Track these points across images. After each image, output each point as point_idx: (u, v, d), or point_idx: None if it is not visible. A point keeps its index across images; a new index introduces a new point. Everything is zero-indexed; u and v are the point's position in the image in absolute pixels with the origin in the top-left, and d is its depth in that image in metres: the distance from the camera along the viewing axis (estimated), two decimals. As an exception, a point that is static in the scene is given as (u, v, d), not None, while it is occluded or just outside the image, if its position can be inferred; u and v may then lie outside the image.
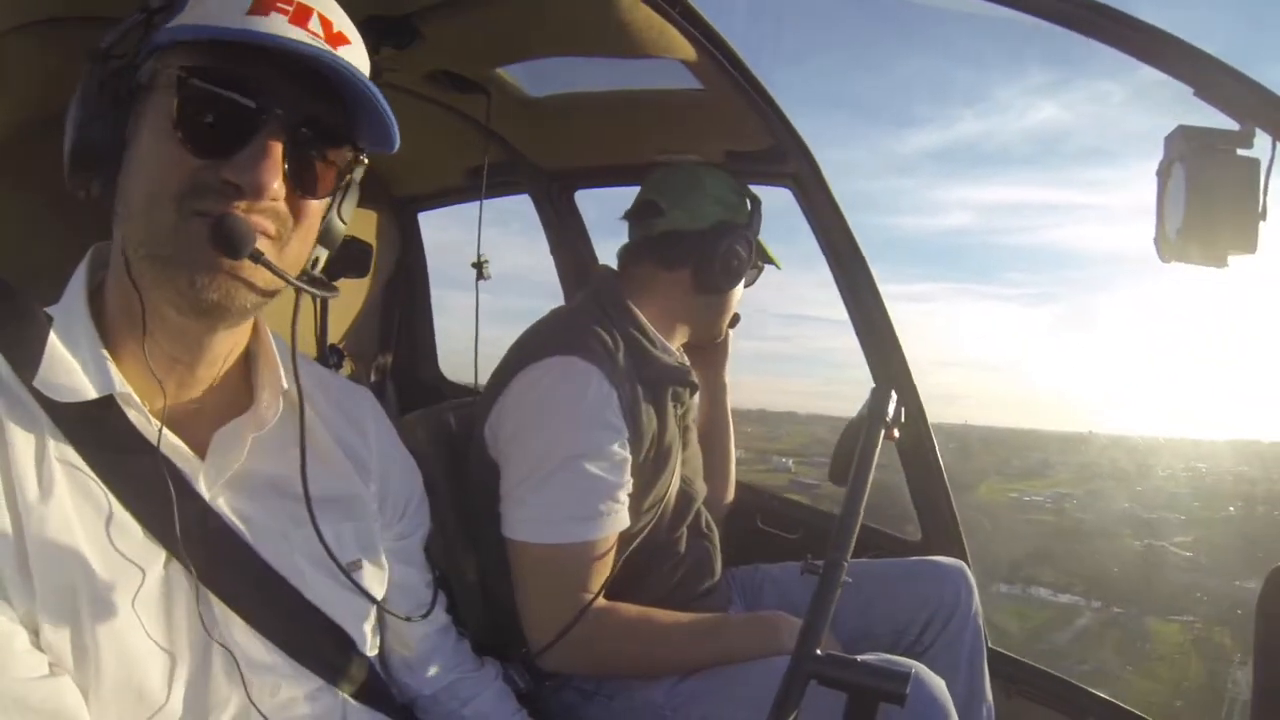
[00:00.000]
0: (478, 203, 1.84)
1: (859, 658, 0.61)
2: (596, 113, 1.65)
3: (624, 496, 1.09)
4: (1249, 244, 0.76)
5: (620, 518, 1.08)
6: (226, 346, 0.71)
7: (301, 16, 0.62)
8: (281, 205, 0.64)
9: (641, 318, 1.22)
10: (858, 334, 1.57)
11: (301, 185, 0.65)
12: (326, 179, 0.67)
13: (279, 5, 0.62)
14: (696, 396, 1.36)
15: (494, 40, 1.45)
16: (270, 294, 0.66)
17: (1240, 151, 0.77)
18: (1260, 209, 0.76)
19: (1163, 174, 0.81)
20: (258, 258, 0.61)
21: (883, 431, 0.78)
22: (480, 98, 1.64)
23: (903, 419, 0.84)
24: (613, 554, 1.09)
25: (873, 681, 0.58)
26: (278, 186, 0.62)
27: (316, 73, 0.62)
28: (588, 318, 1.18)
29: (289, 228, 0.65)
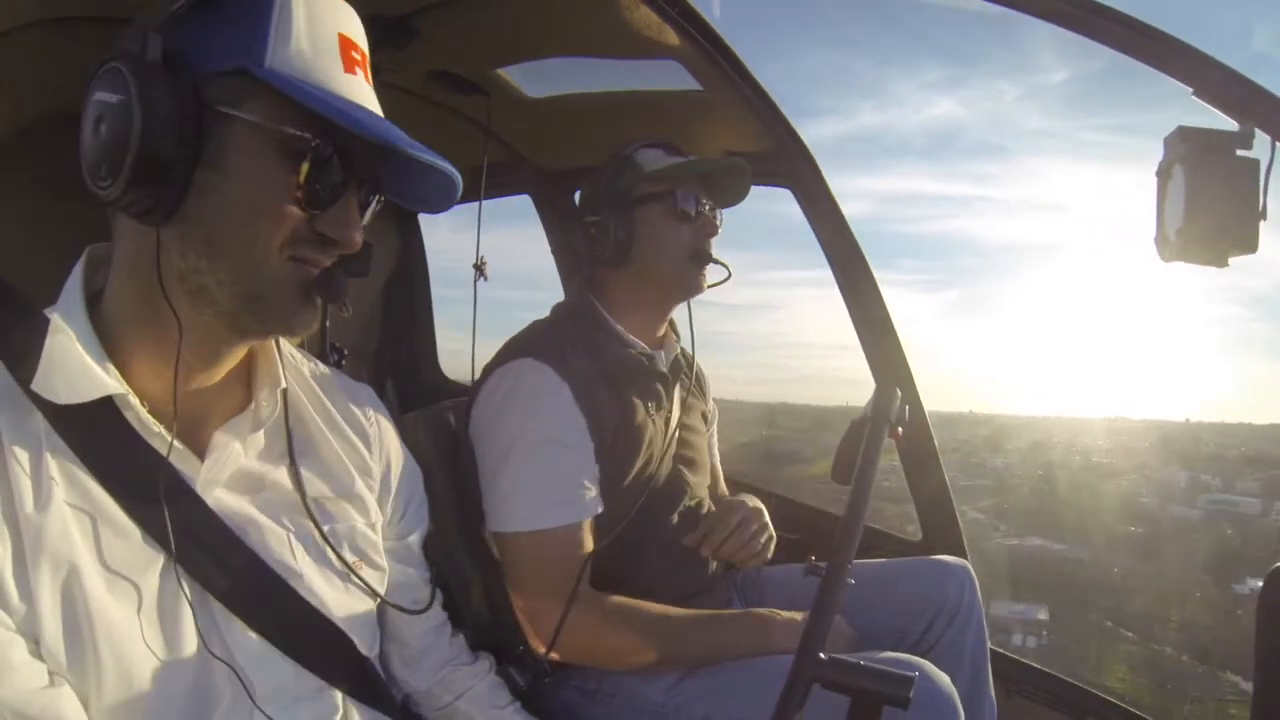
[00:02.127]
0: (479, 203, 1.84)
1: (861, 661, 0.61)
2: (596, 113, 1.65)
3: (589, 483, 1.13)
4: (1249, 244, 0.76)
5: (586, 504, 1.12)
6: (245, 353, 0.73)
7: (363, 59, 0.68)
8: None
9: (604, 315, 1.26)
10: (858, 333, 1.57)
11: None
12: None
13: (355, 58, 0.67)
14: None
15: (493, 40, 1.45)
16: None
17: (1240, 152, 0.77)
18: (1260, 209, 0.76)
19: (1163, 174, 0.81)
20: (345, 303, 0.69)
21: (886, 431, 0.77)
22: (480, 98, 1.63)
23: (906, 418, 0.84)
24: (588, 541, 1.11)
25: (876, 685, 0.58)
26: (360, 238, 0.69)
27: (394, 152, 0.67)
28: (551, 324, 1.28)
29: None
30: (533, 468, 1.11)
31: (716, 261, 1.27)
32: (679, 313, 1.35)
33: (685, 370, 1.35)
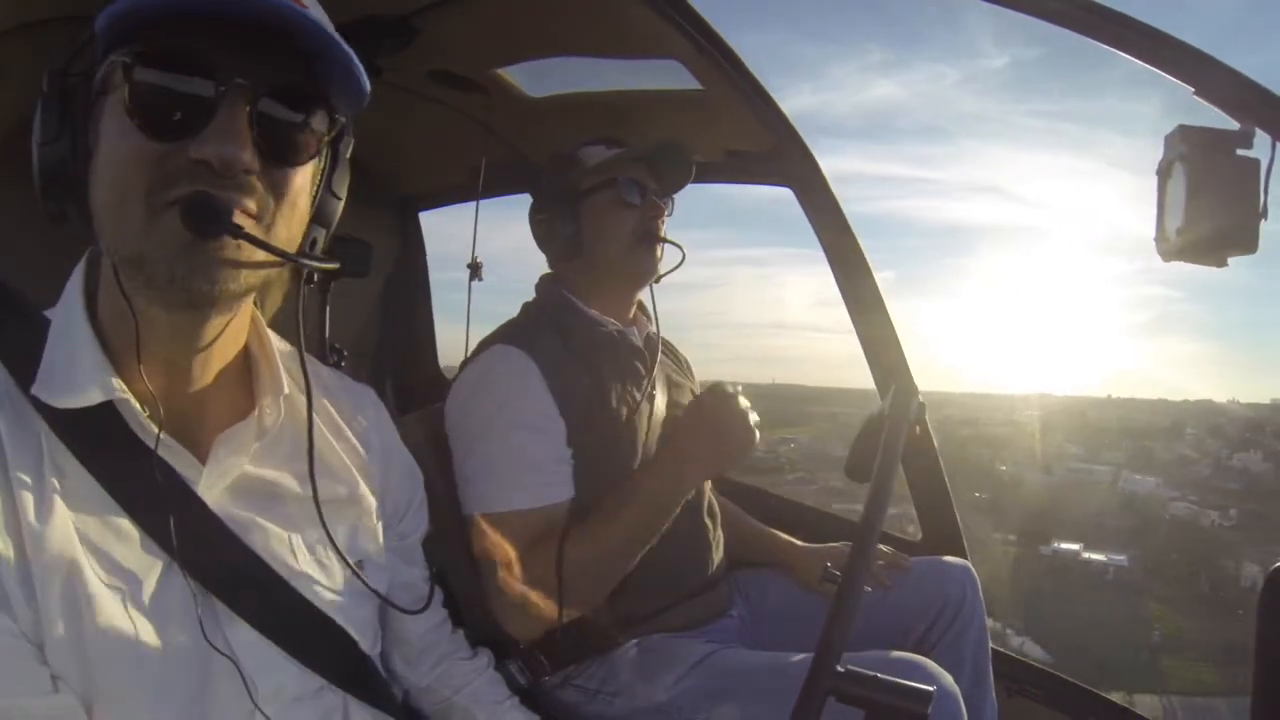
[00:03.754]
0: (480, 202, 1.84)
1: (878, 675, 0.59)
2: (597, 112, 1.65)
3: (559, 465, 1.13)
4: (1249, 244, 0.76)
5: (556, 488, 1.12)
6: (222, 341, 0.69)
7: None
8: (257, 181, 0.60)
9: (571, 299, 1.28)
10: (859, 333, 1.57)
11: (276, 156, 0.61)
12: (303, 146, 0.63)
13: None
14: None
15: (493, 40, 1.45)
16: (260, 272, 0.63)
17: (1240, 151, 0.77)
18: (1260, 209, 0.76)
19: (1163, 174, 0.80)
20: (236, 232, 0.57)
21: (905, 432, 0.76)
22: (480, 97, 1.64)
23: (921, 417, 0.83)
24: (558, 525, 1.09)
25: (894, 700, 0.56)
26: (249, 158, 0.58)
27: (277, 37, 0.58)
28: (521, 314, 1.31)
29: (270, 206, 0.61)
30: (501, 450, 1.12)
31: (668, 242, 1.29)
32: (647, 298, 1.37)
33: (665, 351, 1.34)
